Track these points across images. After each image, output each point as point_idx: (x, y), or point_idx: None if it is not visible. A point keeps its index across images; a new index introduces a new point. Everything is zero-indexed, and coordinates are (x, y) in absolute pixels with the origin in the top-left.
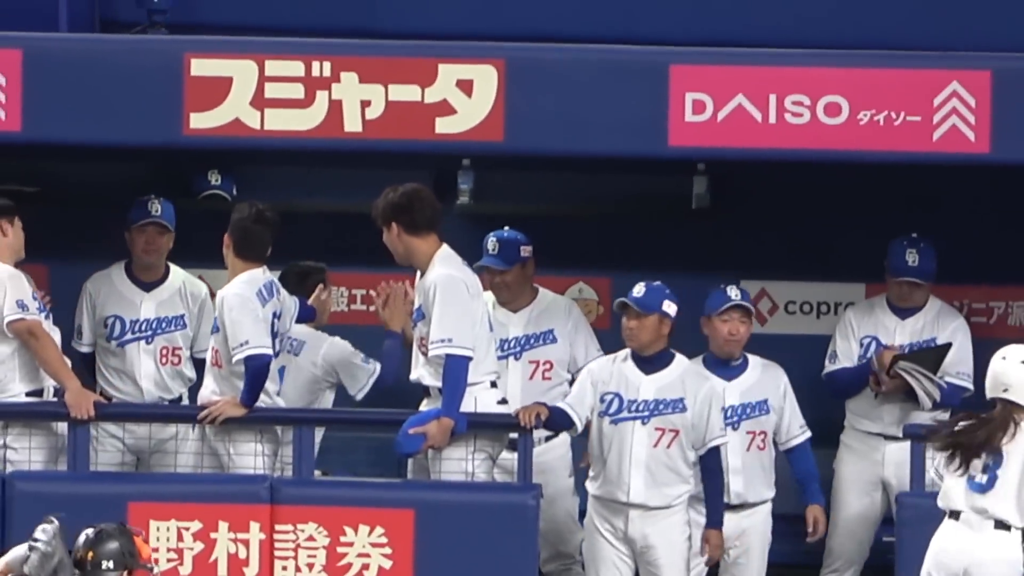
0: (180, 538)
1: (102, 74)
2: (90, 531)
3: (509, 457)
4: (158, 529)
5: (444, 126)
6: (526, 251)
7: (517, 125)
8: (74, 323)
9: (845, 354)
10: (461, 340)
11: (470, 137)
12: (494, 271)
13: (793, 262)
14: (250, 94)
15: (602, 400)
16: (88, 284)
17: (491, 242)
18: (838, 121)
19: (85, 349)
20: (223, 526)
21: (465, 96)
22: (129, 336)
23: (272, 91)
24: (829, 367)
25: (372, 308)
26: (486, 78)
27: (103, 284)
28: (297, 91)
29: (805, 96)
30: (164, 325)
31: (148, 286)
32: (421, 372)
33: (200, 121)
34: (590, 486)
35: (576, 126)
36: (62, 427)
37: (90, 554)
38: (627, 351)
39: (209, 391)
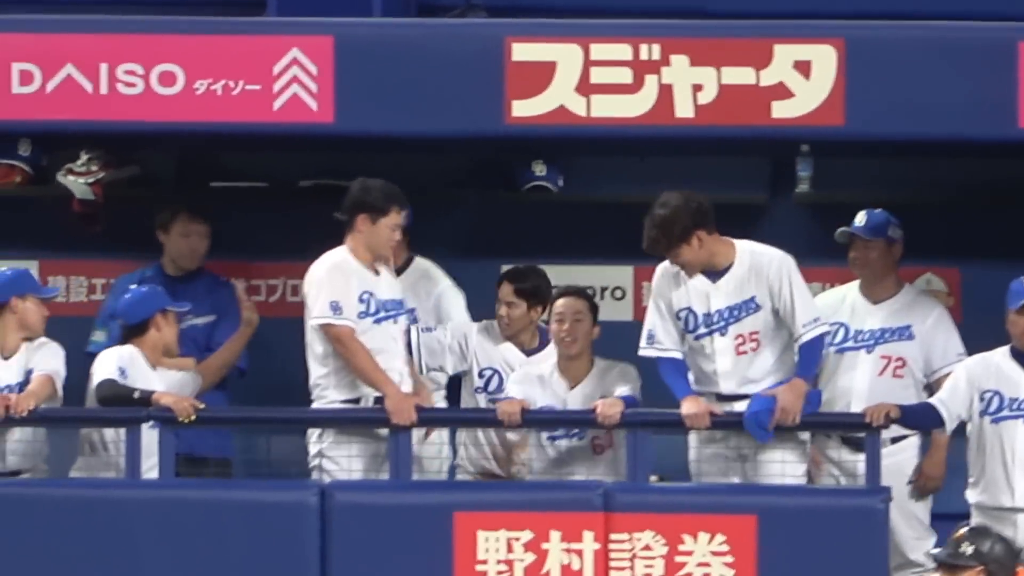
0: (510, 549)
1: (418, 61)
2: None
3: (852, 459)
4: (487, 540)
5: (781, 110)
6: (895, 232)
7: (858, 108)
8: None
9: None
10: (823, 316)
11: (809, 122)
12: (858, 241)
13: None
14: (575, 79)
15: (981, 399)
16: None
17: (860, 216)
18: None
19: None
20: (555, 536)
21: (803, 78)
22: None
23: (598, 76)
24: None
25: None
26: (825, 59)
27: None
28: (624, 75)
29: None
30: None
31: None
32: (756, 370)
33: (523, 109)
34: (970, 494)
35: (920, 108)
36: (382, 434)
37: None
38: (1005, 348)
39: None
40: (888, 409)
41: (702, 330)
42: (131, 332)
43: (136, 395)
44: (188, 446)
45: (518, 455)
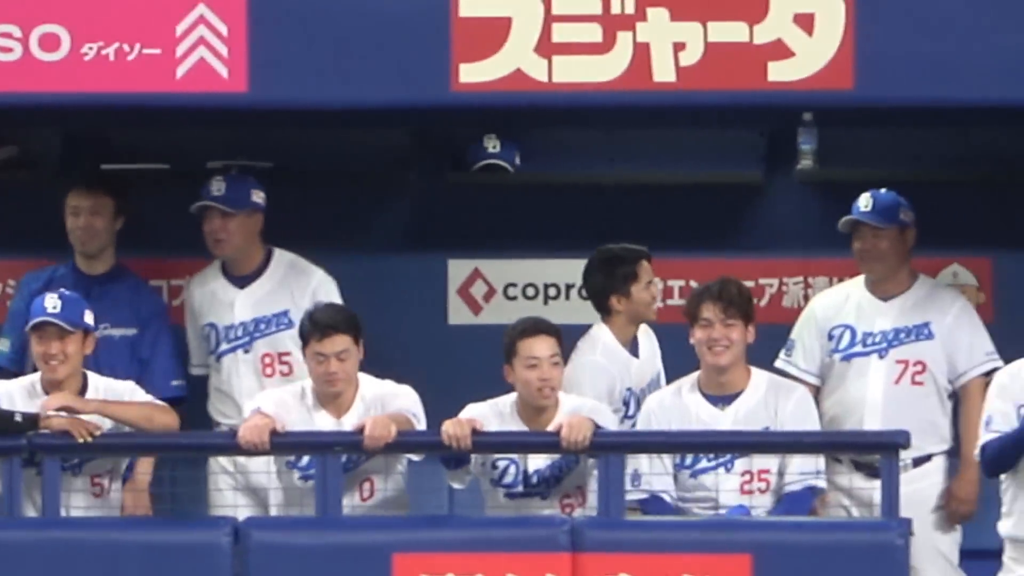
0: None
1: (347, 18)
2: None
3: (865, 486)
4: None
5: (778, 72)
6: (906, 215)
7: (870, 69)
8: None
9: None
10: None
11: (812, 86)
12: (866, 229)
13: None
14: (534, 38)
15: (1018, 414)
16: (186, 288)
17: (864, 199)
18: None
19: (195, 371)
20: None
21: (804, 34)
22: (224, 346)
23: (562, 34)
24: None
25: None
26: (831, 12)
27: (196, 287)
28: (594, 33)
29: None
30: (263, 327)
31: (242, 281)
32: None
33: (472, 74)
34: (1003, 525)
35: (944, 68)
36: None
37: None
38: None
39: None
40: None
41: None
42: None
43: (18, 418)
44: None
45: None
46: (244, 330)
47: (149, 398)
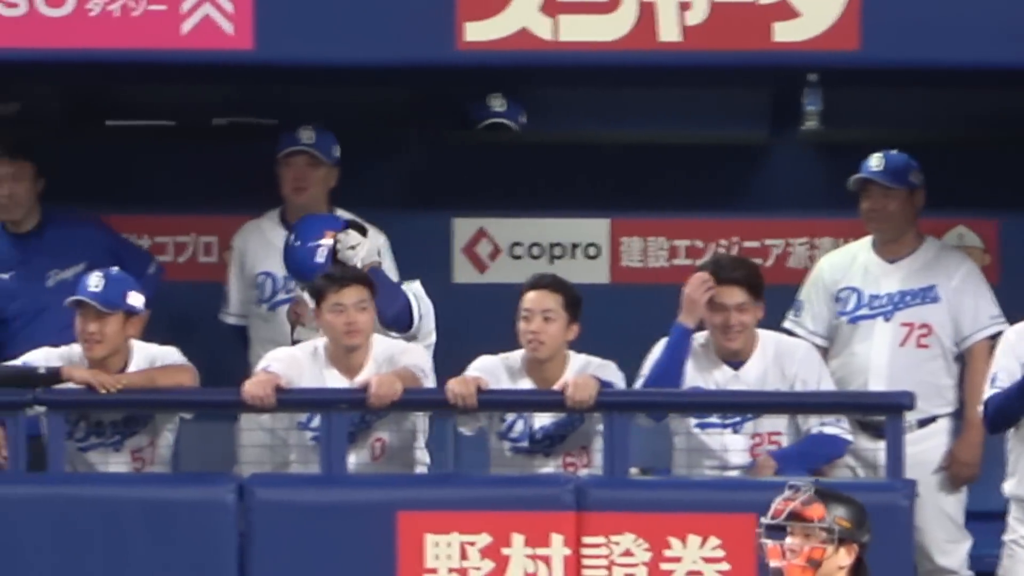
0: (464, 556)
1: None
2: None
3: (870, 447)
4: (436, 545)
5: (784, 32)
6: (916, 177)
7: (877, 30)
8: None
9: None
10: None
11: (818, 46)
12: (875, 188)
13: None
14: None
15: None
16: (235, 238)
17: (875, 159)
18: None
19: (232, 320)
20: (518, 540)
21: None
22: (282, 296)
23: None
24: None
25: (698, 262)
26: None
27: (252, 236)
28: None
29: None
30: None
31: None
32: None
33: (477, 32)
34: (1007, 486)
35: (953, 29)
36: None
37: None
38: None
39: None
40: None
41: None
42: None
43: (42, 371)
44: None
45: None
46: None
47: (183, 360)
